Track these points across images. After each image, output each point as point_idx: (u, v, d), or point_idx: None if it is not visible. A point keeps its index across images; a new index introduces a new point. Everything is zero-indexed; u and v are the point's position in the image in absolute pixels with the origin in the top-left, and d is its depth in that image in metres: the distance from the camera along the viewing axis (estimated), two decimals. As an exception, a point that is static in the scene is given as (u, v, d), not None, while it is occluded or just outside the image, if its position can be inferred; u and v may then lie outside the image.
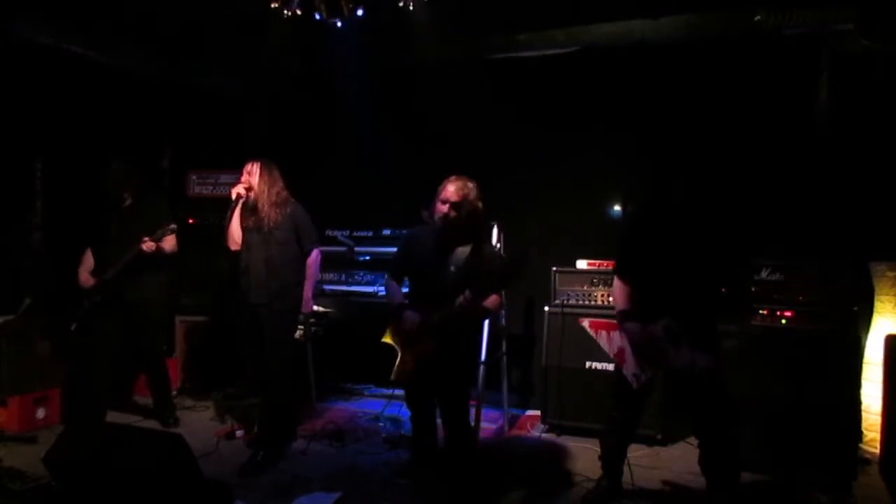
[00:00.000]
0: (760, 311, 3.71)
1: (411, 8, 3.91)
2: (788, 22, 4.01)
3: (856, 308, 3.58)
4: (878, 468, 3.50)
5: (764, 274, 3.74)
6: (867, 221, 4.00)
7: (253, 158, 3.87)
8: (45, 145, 4.73)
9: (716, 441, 3.00)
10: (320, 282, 4.65)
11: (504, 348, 4.54)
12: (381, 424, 4.39)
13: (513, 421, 4.61)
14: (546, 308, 4.33)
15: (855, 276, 3.67)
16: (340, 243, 4.87)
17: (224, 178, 5.36)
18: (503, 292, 3.46)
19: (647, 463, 3.76)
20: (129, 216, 4.20)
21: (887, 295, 3.79)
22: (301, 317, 3.86)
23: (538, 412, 4.45)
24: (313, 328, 4.64)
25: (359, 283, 4.89)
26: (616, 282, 3.18)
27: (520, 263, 3.03)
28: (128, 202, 4.26)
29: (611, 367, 3.80)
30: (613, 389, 3.26)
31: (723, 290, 3.06)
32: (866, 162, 4.07)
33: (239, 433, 4.21)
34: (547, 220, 4.89)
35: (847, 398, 3.45)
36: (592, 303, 4.29)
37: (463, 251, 3.27)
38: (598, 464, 3.33)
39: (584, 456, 3.86)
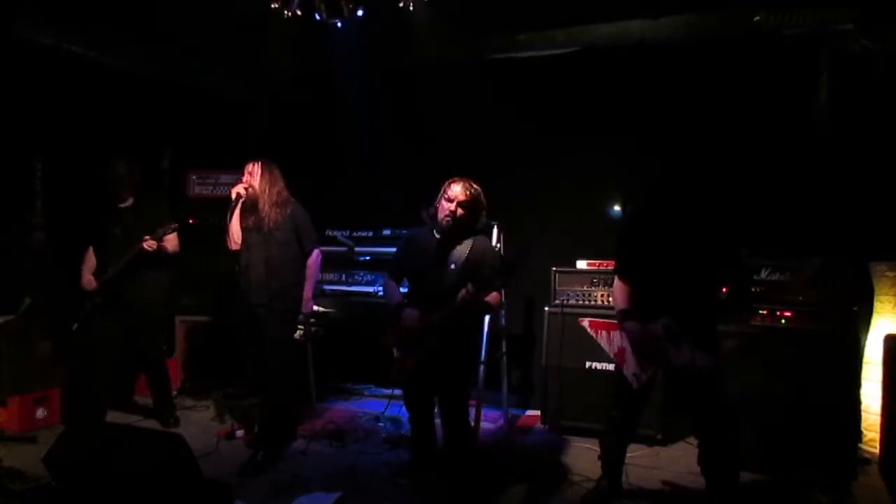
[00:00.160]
0: (760, 311, 3.71)
1: (411, 8, 3.92)
2: (788, 22, 4.02)
3: (855, 308, 3.59)
4: (878, 468, 3.50)
5: (764, 274, 3.74)
6: (867, 221, 4.00)
7: (254, 158, 3.87)
8: (45, 145, 4.72)
9: (715, 441, 3.00)
10: (320, 282, 4.65)
11: (504, 348, 4.54)
12: (381, 424, 4.39)
13: (513, 421, 4.62)
14: (546, 308, 4.34)
15: (855, 276, 3.68)
16: (340, 243, 4.86)
17: (224, 178, 5.35)
18: (503, 291, 3.46)
19: (647, 463, 3.77)
20: (130, 216, 4.20)
21: (887, 295, 3.80)
22: (301, 317, 3.86)
23: (538, 412, 4.46)
24: (313, 328, 4.64)
25: (359, 284, 4.89)
26: (616, 282, 3.18)
27: (520, 254, 3.04)
28: (128, 202, 4.26)
29: (611, 367, 3.80)
30: (613, 389, 3.26)
31: (723, 289, 3.06)
32: (866, 162, 4.07)
33: (239, 433, 4.21)
34: (547, 220, 4.89)
35: (847, 398, 3.45)
36: (592, 303, 4.29)
37: (462, 250, 3.28)
38: (598, 464, 3.33)
39: (584, 456, 3.86)
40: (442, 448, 3.49)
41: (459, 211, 3.24)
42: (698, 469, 3.08)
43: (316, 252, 3.91)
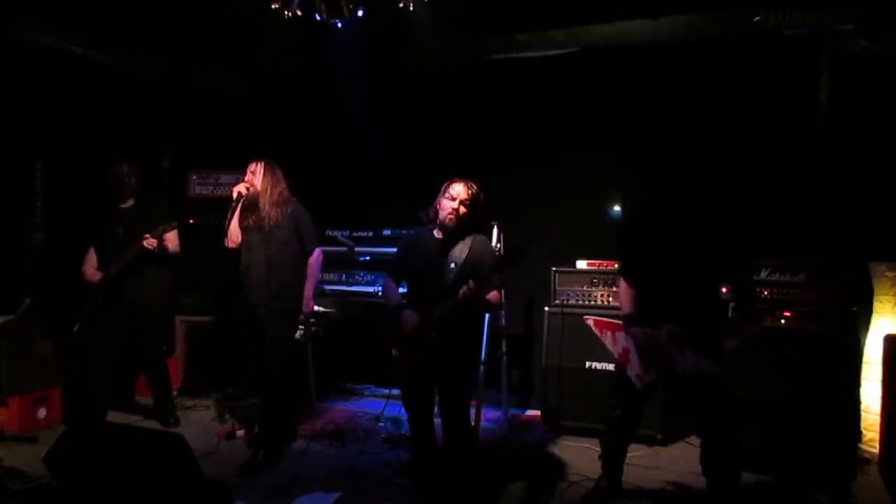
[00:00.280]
0: (760, 312, 3.71)
1: (411, 8, 3.92)
2: (788, 22, 4.02)
3: (855, 308, 3.58)
4: (878, 468, 3.50)
5: (764, 274, 3.74)
6: (867, 221, 4.00)
7: (257, 158, 3.87)
8: (45, 145, 4.72)
9: (716, 441, 3.00)
10: (321, 282, 4.65)
11: (504, 348, 4.54)
12: (381, 424, 4.39)
13: (513, 421, 4.61)
14: (546, 308, 4.34)
15: (854, 276, 3.68)
16: (341, 243, 4.86)
17: (224, 178, 5.35)
18: (503, 290, 3.47)
19: (647, 463, 3.77)
20: (130, 216, 4.20)
21: (886, 295, 3.80)
22: (301, 317, 3.86)
23: (538, 412, 4.46)
24: (313, 328, 4.65)
25: (359, 283, 4.89)
26: (622, 283, 3.20)
27: (519, 249, 3.04)
28: (128, 202, 4.26)
29: (611, 366, 3.81)
30: (615, 389, 3.26)
31: (724, 290, 3.06)
32: (866, 162, 4.07)
33: (239, 433, 4.21)
34: (547, 220, 4.88)
35: (847, 398, 3.45)
36: (592, 303, 4.29)
37: (462, 249, 3.30)
38: (598, 463, 3.33)
39: (584, 456, 3.86)
40: (442, 448, 3.49)
41: (462, 209, 3.27)
42: (699, 469, 3.09)
43: (317, 251, 3.91)
